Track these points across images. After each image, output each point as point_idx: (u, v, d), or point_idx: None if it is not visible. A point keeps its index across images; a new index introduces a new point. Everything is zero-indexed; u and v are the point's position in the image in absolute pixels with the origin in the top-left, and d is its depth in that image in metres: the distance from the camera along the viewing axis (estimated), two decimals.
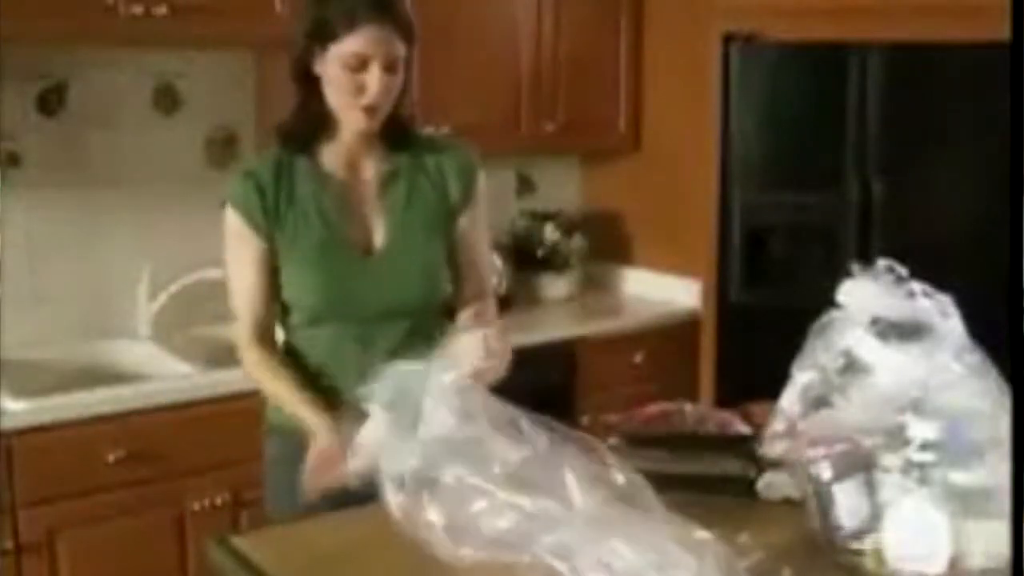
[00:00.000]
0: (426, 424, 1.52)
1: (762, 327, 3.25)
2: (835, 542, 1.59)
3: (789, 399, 1.71)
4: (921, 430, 1.58)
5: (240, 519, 2.71)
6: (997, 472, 1.48)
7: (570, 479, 1.44)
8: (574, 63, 3.57)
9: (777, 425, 1.73)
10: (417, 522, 1.48)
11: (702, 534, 1.39)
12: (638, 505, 1.43)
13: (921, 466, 1.57)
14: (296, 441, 1.87)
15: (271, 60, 3.13)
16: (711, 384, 3.54)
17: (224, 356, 2.45)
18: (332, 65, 1.88)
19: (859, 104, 3.25)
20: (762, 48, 3.38)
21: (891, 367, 1.62)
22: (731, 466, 1.83)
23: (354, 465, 1.64)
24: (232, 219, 1.96)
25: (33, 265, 2.98)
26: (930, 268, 1.67)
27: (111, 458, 2.57)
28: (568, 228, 3.78)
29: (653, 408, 2.03)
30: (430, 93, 2.97)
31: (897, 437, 1.59)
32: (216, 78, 3.21)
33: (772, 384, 1.75)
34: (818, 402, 1.68)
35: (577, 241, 3.78)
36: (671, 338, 3.59)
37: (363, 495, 1.59)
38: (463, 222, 2.05)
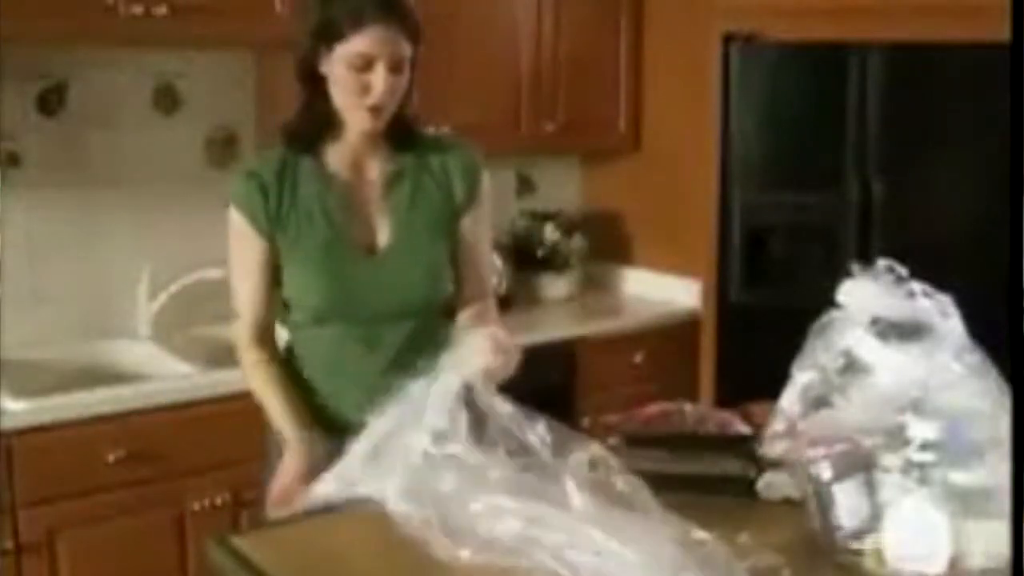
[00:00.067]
0: (429, 430, 1.53)
1: (762, 327, 3.25)
2: (835, 542, 1.59)
3: (789, 399, 1.71)
4: (921, 430, 1.58)
5: (240, 519, 2.71)
6: (997, 472, 1.48)
7: (569, 482, 1.44)
8: (574, 63, 3.57)
9: (777, 425, 1.74)
10: (417, 525, 1.48)
11: (701, 535, 1.39)
12: (637, 507, 1.43)
13: (921, 466, 1.57)
14: (319, 443, 1.88)
15: (271, 60, 3.13)
16: (711, 384, 3.54)
17: (224, 356, 2.45)
18: (338, 65, 1.87)
19: (859, 104, 3.25)
20: (762, 48, 3.38)
21: (891, 367, 1.62)
22: (731, 466, 1.83)
23: (316, 492, 1.66)
24: (235, 219, 1.96)
25: (33, 265, 2.98)
26: (930, 268, 1.67)
27: (111, 458, 2.57)
28: (568, 228, 3.78)
29: (653, 408, 2.03)
30: (430, 93, 2.96)
31: (897, 437, 1.59)
32: (216, 78, 3.21)
33: (772, 384, 1.75)
34: (818, 402, 1.69)
35: (577, 241, 3.78)
36: (671, 338, 3.59)
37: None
38: (467, 222, 2.05)
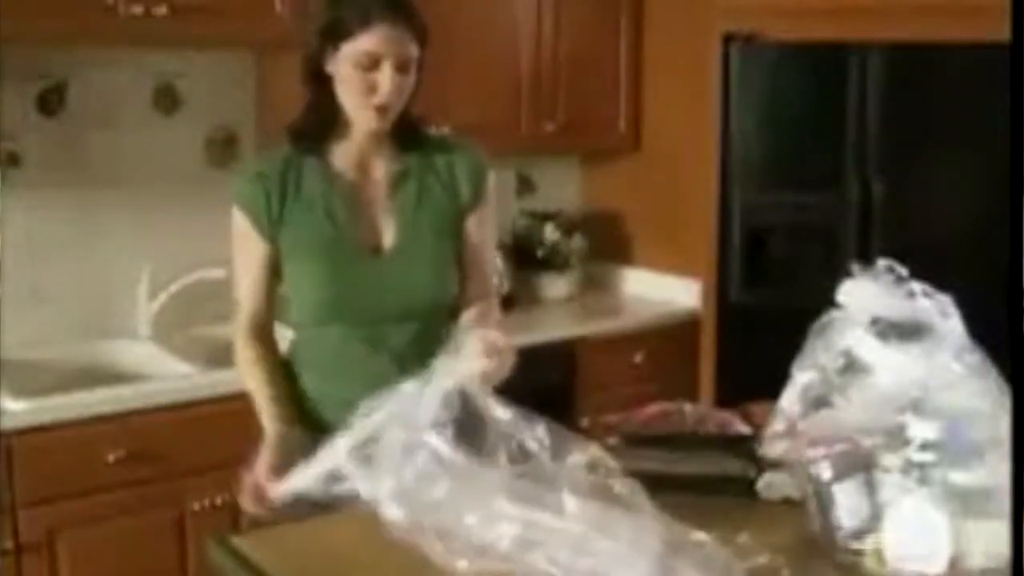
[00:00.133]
0: (421, 433, 1.52)
1: (762, 327, 3.25)
2: (835, 542, 1.59)
3: (789, 399, 1.71)
4: (921, 430, 1.58)
5: (240, 519, 2.70)
6: (997, 472, 1.48)
7: (566, 487, 1.43)
8: (574, 63, 3.57)
9: (777, 425, 1.73)
10: (413, 531, 1.47)
11: (700, 535, 1.39)
12: (634, 509, 1.43)
13: (921, 466, 1.57)
14: (296, 440, 1.87)
15: (271, 60, 3.13)
16: (711, 384, 3.54)
17: (224, 356, 2.44)
18: (344, 64, 1.88)
19: (859, 104, 3.25)
20: (762, 48, 3.38)
21: (891, 367, 1.62)
22: (731, 466, 1.83)
23: (291, 484, 1.65)
24: (238, 219, 1.97)
25: (33, 265, 2.98)
26: (930, 268, 1.67)
27: (111, 458, 2.57)
28: (568, 228, 3.78)
29: (653, 408, 2.03)
30: (430, 93, 2.96)
31: (897, 437, 1.59)
32: (216, 78, 3.21)
33: (772, 384, 1.74)
34: (818, 402, 1.68)
35: (577, 241, 3.78)
36: (671, 338, 3.59)
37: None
38: (472, 222, 2.04)
